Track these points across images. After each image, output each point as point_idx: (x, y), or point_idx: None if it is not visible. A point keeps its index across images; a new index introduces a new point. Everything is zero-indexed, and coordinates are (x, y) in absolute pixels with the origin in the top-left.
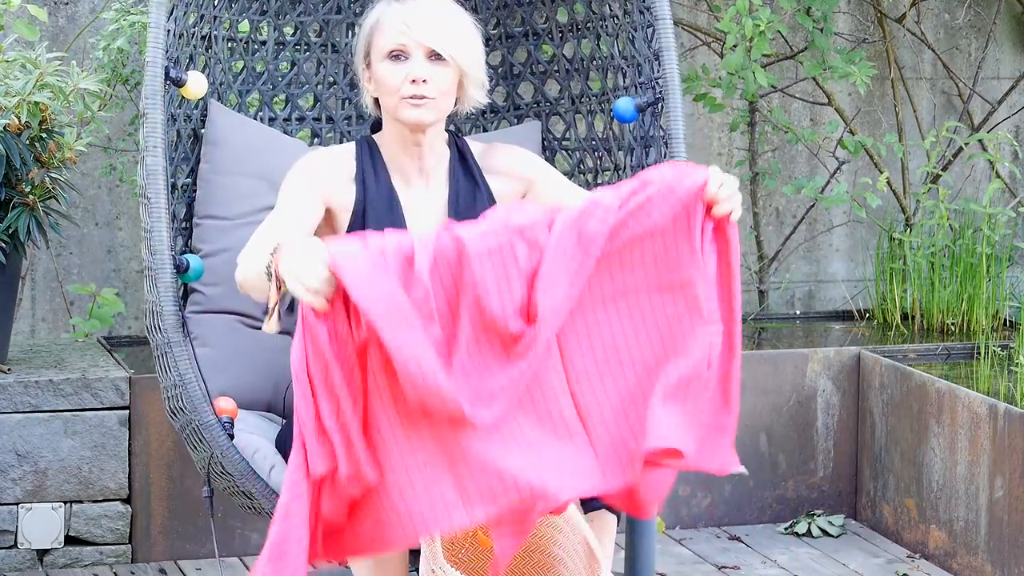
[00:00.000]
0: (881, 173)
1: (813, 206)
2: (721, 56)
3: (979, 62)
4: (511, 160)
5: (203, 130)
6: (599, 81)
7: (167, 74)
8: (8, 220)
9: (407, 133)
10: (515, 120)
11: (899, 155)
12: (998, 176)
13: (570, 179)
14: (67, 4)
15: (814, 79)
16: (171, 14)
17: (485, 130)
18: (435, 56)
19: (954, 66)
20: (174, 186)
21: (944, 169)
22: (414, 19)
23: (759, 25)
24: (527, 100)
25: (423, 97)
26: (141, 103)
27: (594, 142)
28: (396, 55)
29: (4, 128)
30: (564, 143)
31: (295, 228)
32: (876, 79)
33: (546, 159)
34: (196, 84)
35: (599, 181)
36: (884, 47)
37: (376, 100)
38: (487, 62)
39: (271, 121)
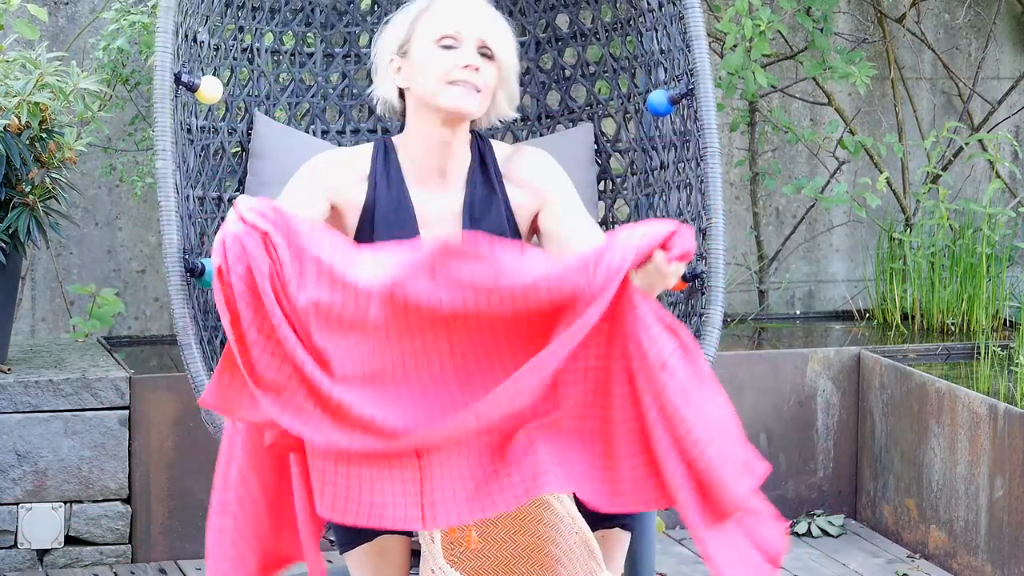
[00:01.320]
0: (881, 173)
1: (813, 206)
2: (721, 56)
3: (979, 62)
4: (532, 171)
5: (250, 144)
6: (643, 77)
7: (179, 79)
8: (8, 220)
9: (436, 127)
10: (570, 124)
11: (899, 155)
12: (998, 176)
13: (623, 181)
14: (67, 4)
15: (814, 79)
16: (181, 25)
17: (541, 135)
18: (485, 52)
19: (954, 66)
20: (220, 199)
21: (944, 169)
22: (470, 10)
23: (759, 25)
24: (580, 103)
25: (472, 84)
26: (153, 108)
27: (643, 141)
28: (448, 42)
29: (4, 128)
30: (617, 144)
31: None
32: (876, 79)
33: (600, 163)
34: (210, 88)
35: (649, 182)
36: (884, 47)
37: (401, 93)
38: (539, 66)
39: (324, 134)
